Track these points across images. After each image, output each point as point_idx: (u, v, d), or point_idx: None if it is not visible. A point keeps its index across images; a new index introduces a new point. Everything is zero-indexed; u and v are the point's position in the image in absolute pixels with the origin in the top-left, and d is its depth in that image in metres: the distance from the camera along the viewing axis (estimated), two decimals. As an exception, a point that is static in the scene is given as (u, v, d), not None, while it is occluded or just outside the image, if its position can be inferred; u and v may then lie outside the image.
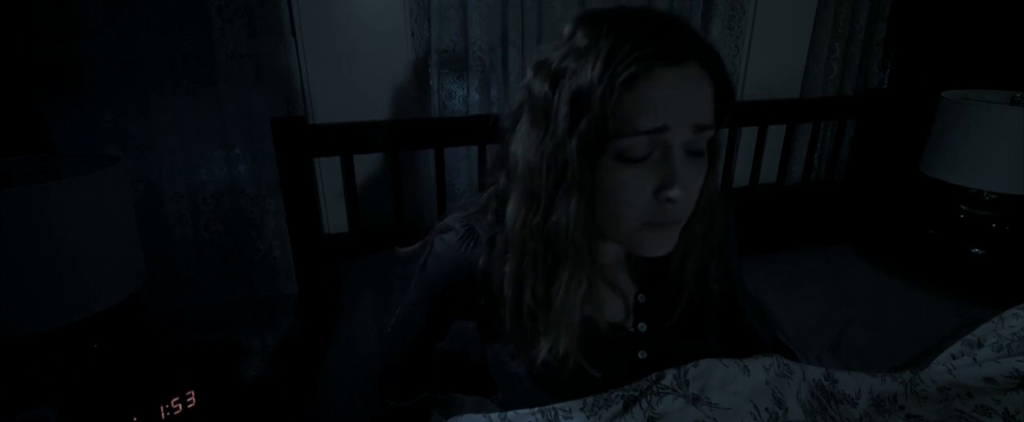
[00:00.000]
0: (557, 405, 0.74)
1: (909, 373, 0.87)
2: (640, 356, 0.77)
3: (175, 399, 1.23)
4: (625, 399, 0.74)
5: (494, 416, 0.78)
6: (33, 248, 0.98)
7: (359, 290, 1.35)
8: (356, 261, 1.43)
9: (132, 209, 1.16)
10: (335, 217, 1.60)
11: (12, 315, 0.98)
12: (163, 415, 1.21)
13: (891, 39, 1.91)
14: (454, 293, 0.76)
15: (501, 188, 0.73)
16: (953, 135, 1.54)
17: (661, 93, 0.59)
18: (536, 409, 0.75)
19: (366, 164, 1.55)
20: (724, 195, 0.85)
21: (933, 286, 1.46)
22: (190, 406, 1.24)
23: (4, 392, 1.09)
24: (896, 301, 1.41)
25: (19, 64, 1.25)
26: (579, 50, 0.61)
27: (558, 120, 0.61)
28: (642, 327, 0.77)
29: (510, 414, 0.77)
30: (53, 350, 1.13)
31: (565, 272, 0.67)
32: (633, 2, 0.69)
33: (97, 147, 1.34)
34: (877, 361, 1.17)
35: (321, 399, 1.07)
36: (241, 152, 1.45)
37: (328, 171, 1.55)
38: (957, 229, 1.68)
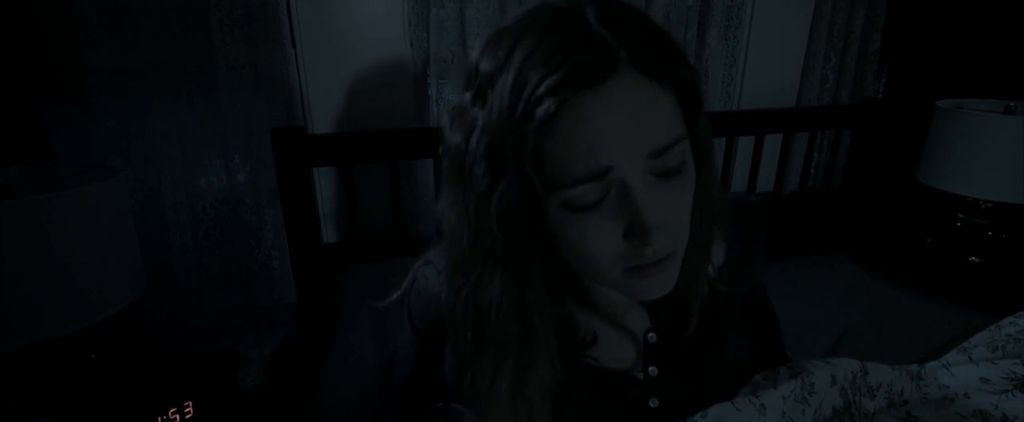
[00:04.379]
0: None
1: (916, 365, 0.89)
2: (652, 405, 0.69)
3: (173, 410, 1.22)
4: None
5: None
6: (33, 258, 0.97)
7: (358, 299, 1.34)
8: (355, 270, 1.43)
9: (132, 220, 1.16)
10: (334, 226, 1.60)
11: (11, 325, 0.98)
12: (161, 426, 1.21)
13: (886, 49, 1.92)
14: (439, 331, 0.67)
15: None
16: (949, 144, 1.55)
17: (590, 126, 0.47)
18: None
19: (365, 173, 1.55)
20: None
21: (930, 294, 1.46)
22: (188, 417, 1.24)
23: (1, 403, 1.09)
24: (894, 309, 1.41)
25: (20, 71, 1.25)
26: (483, 82, 0.50)
27: (476, 179, 0.50)
28: (653, 371, 0.69)
29: None
30: (51, 361, 1.13)
31: (489, 361, 0.58)
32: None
33: (97, 154, 1.34)
34: (875, 369, 1.17)
35: (319, 406, 1.07)
36: (240, 161, 1.45)
37: (327, 180, 1.55)
38: (954, 237, 1.69)
